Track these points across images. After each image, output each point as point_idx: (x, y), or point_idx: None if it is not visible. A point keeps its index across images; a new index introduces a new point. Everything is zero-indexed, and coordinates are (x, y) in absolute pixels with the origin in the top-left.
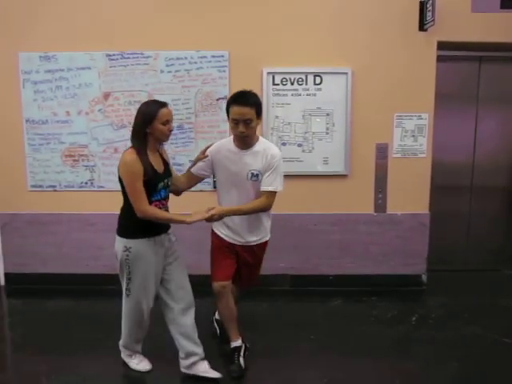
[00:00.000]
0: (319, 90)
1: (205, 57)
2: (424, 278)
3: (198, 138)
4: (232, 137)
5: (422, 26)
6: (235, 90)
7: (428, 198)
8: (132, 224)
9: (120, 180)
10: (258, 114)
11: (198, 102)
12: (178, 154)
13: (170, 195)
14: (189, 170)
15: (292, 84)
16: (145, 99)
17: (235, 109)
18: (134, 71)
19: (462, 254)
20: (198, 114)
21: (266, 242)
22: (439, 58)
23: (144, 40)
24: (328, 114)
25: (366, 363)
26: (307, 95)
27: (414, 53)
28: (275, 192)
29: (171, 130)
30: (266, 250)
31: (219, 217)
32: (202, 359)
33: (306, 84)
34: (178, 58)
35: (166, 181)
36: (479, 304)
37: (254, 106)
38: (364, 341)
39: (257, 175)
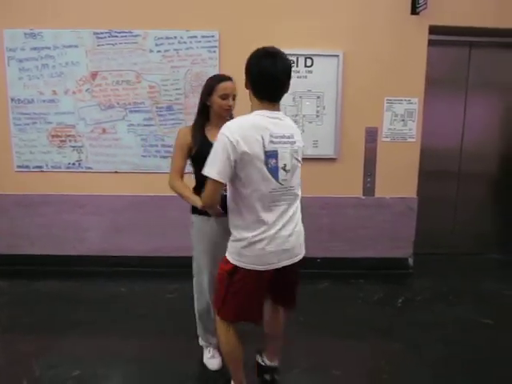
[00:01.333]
0: (310, 72)
1: (195, 37)
2: (410, 261)
3: (188, 119)
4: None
5: (414, 10)
6: (225, 70)
7: (416, 183)
8: None
9: None
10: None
11: (187, 82)
12: (167, 135)
13: None
14: None
15: None
16: (133, 79)
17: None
18: (123, 50)
19: (449, 238)
20: (187, 95)
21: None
22: (430, 43)
23: (133, 18)
24: (318, 97)
25: (352, 344)
26: (298, 77)
27: (405, 36)
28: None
29: (230, 106)
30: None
31: None
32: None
33: (297, 66)
34: (167, 38)
35: None
36: (464, 287)
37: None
38: (351, 322)
39: None
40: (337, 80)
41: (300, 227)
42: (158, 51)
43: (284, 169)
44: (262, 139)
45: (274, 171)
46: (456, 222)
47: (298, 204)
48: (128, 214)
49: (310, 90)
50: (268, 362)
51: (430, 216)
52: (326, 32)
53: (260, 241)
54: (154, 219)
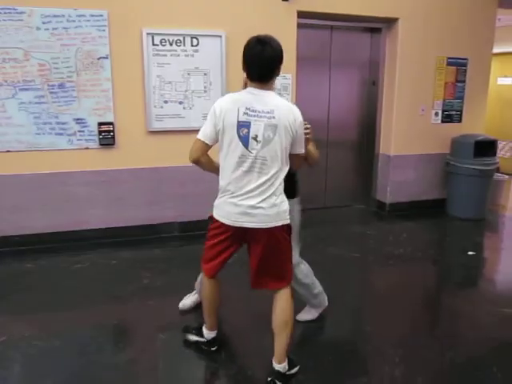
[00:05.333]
0: (196, 51)
1: (83, 15)
2: None
3: (81, 96)
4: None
5: None
6: (116, 49)
7: None
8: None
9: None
10: None
11: (78, 60)
12: (61, 112)
13: None
14: None
15: (171, 45)
16: (21, 57)
17: None
18: (8, 27)
19: (322, 195)
20: (79, 73)
21: None
22: (299, 25)
23: None
24: (205, 74)
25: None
26: (185, 56)
27: (278, 20)
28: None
29: None
30: None
31: None
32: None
33: (184, 45)
34: (54, 16)
35: None
36: (337, 232)
37: None
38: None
39: None
40: (221, 58)
41: (275, 200)
42: (46, 29)
43: (255, 139)
44: (238, 111)
45: (244, 140)
46: (327, 181)
47: (273, 177)
48: (25, 193)
49: (197, 68)
50: (273, 363)
51: (306, 178)
52: (210, 14)
53: (228, 198)
54: (53, 195)
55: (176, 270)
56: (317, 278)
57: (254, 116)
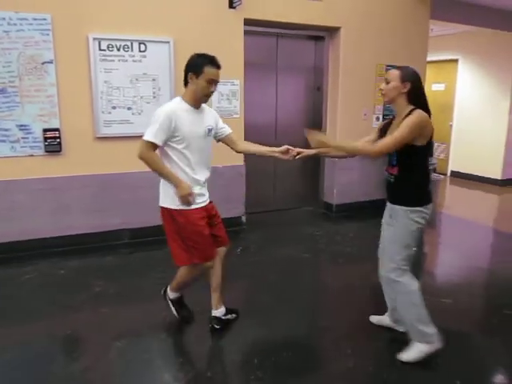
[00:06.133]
0: (144, 56)
1: (25, 19)
2: (243, 218)
3: (25, 101)
4: (179, 98)
5: (231, 4)
6: (62, 54)
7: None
8: None
9: None
10: None
11: (21, 65)
12: (3, 118)
13: None
14: None
15: (118, 50)
16: None
17: (213, 71)
18: None
19: (271, 198)
20: (22, 78)
21: None
22: (246, 33)
23: None
24: (154, 80)
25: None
26: (133, 61)
27: (225, 27)
28: None
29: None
30: None
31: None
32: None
33: (132, 51)
34: None
35: None
36: (286, 233)
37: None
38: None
39: (210, 130)
40: (169, 64)
41: None
42: None
43: None
44: None
45: None
46: (276, 185)
47: None
48: None
49: (145, 74)
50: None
51: (256, 182)
52: (157, 20)
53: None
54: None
55: (127, 277)
56: (270, 278)
57: None
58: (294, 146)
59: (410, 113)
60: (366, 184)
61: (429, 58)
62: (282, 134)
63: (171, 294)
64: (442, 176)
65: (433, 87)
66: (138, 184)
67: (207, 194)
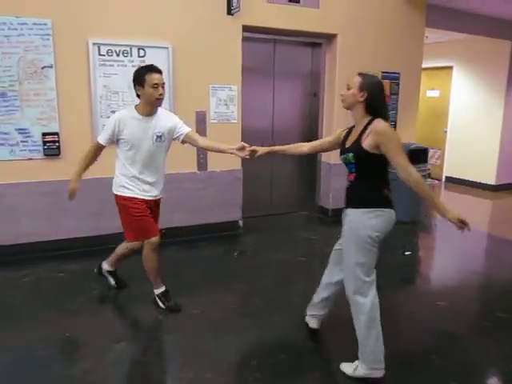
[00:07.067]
0: (143, 62)
1: (26, 24)
2: (240, 223)
3: (24, 105)
4: (132, 106)
5: (229, 11)
6: (61, 58)
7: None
8: None
9: None
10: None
11: (21, 69)
12: (3, 122)
13: None
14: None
15: (118, 55)
16: None
17: (154, 75)
18: None
19: (268, 202)
20: (22, 82)
21: None
22: (244, 39)
23: None
24: None
25: (209, 288)
26: (133, 66)
27: (223, 33)
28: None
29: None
30: None
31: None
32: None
33: (131, 56)
34: None
35: None
36: (283, 237)
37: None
38: (202, 273)
39: (160, 136)
40: (168, 69)
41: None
42: None
43: None
44: None
45: None
46: (272, 189)
47: None
48: None
49: None
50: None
51: (253, 186)
52: (157, 26)
53: None
54: None
55: (126, 280)
56: (266, 282)
57: None
58: None
59: (369, 122)
60: None
61: (424, 65)
62: (278, 139)
63: (109, 267)
64: (437, 181)
65: (427, 94)
66: None
67: (155, 192)
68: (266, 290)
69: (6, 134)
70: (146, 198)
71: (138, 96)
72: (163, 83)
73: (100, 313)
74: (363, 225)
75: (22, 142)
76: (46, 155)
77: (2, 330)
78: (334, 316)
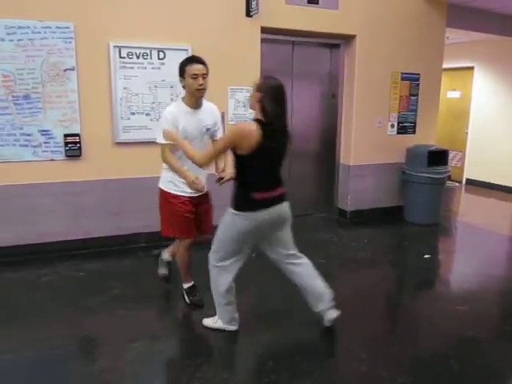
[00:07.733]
0: (163, 64)
1: (49, 27)
2: None
3: (47, 107)
4: (179, 100)
5: (248, 13)
6: (83, 61)
7: None
8: None
9: None
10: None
11: (44, 72)
12: (26, 124)
13: None
14: None
15: (138, 58)
16: None
17: (194, 66)
18: None
19: None
20: (45, 84)
21: None
22: (263, 40)
23: None
24: (172, 86)
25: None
26: (152, 69)
27: (242, 35)
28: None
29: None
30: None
31: None
32: None
33: (151, 58)
34: (19, 27)
35: None
36: (302, 239)
37: (206, 65)
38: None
39: (208, 129)
40: None
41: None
42: (11, 40)
43: None
44: None
45: None
46: (291, 190)
47: None
48: None
49: (164, 80)
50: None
51: None
52: (176, 28)
53: None
54: (18, 207)
55: (145, 279)
56: (284, 283)
57: None
58: (309, 152)
59: None
60: (379, 191)
61: (444, 66)
62: (296, 141)
63: (165, 255)
64: (458, 184)
65: (448, 95)
66: (155, 189)
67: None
68: (284, 291)
69: (29, 135)
70: (193, 195)
71: (184, 88)
72: (204, 74)
73: (119, 312)
74: (233, 224)
75: (44, 143)
76: (67, 156)
77: (24, 328)
78: (349, 318)
